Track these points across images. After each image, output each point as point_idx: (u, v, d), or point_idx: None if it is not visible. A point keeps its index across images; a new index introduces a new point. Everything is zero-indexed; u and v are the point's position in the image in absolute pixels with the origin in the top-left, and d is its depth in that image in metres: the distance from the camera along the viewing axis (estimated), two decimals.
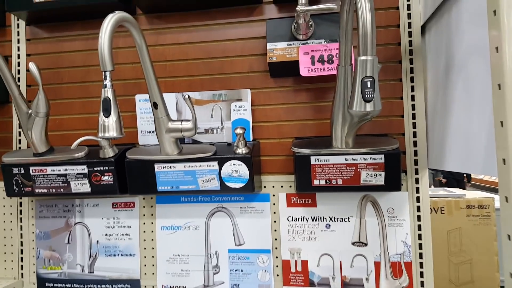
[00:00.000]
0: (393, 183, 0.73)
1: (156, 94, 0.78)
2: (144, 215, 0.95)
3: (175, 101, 0.93)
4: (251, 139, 0.89)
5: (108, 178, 0.88)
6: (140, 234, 0.94)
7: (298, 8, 0.76)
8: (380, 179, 0.72)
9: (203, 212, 0.91)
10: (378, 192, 0.83)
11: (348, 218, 0.83)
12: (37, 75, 0.83)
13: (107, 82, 0.64)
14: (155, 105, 0.79)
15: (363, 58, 0.56)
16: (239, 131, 0.81)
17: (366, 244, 0.82)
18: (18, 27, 1.02)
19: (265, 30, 0.90)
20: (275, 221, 0.88)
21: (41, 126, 0.87)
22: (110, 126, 0.64)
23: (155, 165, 0.84)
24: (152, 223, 0.94)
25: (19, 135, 1.02)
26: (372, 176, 0.72)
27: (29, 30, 1.02)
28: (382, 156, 0.72)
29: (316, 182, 0.76)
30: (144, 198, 0.95)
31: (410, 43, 0.85)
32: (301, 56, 0.81)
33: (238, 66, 0.92)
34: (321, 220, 0.85)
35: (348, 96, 0.70)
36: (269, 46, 0.83)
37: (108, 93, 0.64)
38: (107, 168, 0.87)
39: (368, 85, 0.54)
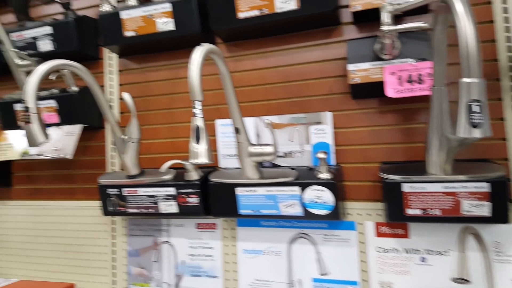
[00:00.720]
0: (499, 214, 0.66)
1: (238, 120, 0.80)
2: (225, 237, 0.96)
3: (254, 125, 0.94)
4: (333, 163, 0.87)
5: (193, 200, 0.91)
6: (223, 256, 0.96)
7: (383, 28, 0.73)
8: (484, 210, 0.65)
9: (284, 238, 0.90)
10: (481, 224, 0.75)
11: (446, 251, 0.76)
12: (131, 104, 0.90)
13: (197, 111, 0.67)
14: (237, 130, 0.81)
15: (468, 80, 0.51)
16: (321, 155, 0.79)
17: (468, 282, 0.74)
18: (110, 59, 1.12)
19: (344, 51, 0.89)
20: (362, 252, 0.83)
21: (134, 150, 0.94)
22: (200, 153, 0.66)
23: (237, 189, 0.85)
24: (233, 245, 0.95)
25: (112, 158, 1.11)
26: (474, 206, 0.65)
27: (121, 62, 1.11)
28: (486, 184, 0.65)
29: (409, 211, 0.71)
30: (225, 220, 0.97)
31: (511, 58, 0.77)
32: (386, 76, 0.77)
33: (317, 88, 0.90)
34: (415, 253, 0.78)
35: (445, 119, 0.65)
36: (351, 67, 0.81)
37: (199, 121, 0.67)
38: (193, 190, 0.91)
39: (476, 110, 0.50)
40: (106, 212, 1.00)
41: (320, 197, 0.79)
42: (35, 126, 0.75)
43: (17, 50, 1.05)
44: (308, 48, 0.92)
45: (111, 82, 1.11)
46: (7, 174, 1.22)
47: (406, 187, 0.72)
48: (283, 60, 0.94)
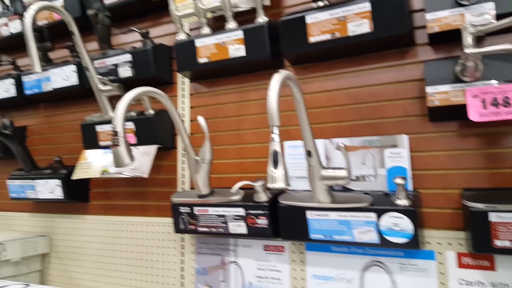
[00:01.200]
0: None
1: (310, 143, 0.80)
2: (294, 260, 0.96)
3: (323, 147, 0.94)
4: (411, 188, 0.83)
5: (262, 222, 0.92)
6: (291, 280, 0.95)
7: (466, 51, 0.70)
8: None
9: (357, 265, 0.87)
10: None
11: None
12: (205, 127, 0.94)
13: (275, 136, 0.68)
14: (309, 153, 0.81)
15: None
16: (399, 181, 0.77)
17: None
18: (183, 84, 1.18)
19: (419, 72, 0.86)
20: (442, 283, 0.79)
21: (205, 171, 0.97)
22: (278, 177, 0.67)
23: (308, 212, 0.85)
24: (302, 270, 0.94)
25: (183, 177, 1.15)
26: None
27: (192, 86, 1.17)
28: None
29: (498, 243, 0.66)
30: (294, 244, 0.97)
31: None
32: (469, 99, 0.74)
33: (391, 110, 0.88)
34: (502, 287, 0.73)
35: None
36: (429, 89, 0.78)
37: (276, 146, 0.68)
38: (262, 212, 0.92)
39: None
40: (178, 230, 1.04)
41: (398, 224, 0.76)
42: (122, 149, 0.81)
43: (100, 76, 1.15)
44: (380, 70, 0.90)
45: (183, 105, 1.17)
46: (86, 190, 1.32)
47: (493, 217, 0.68)
48: (354, 82, 0.93)
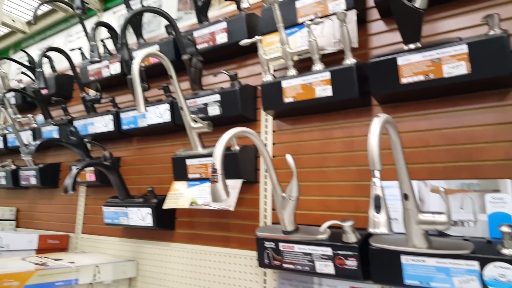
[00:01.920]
0: None
1: (407, 185, 0.79)
2: None
3: (416, 189, 0.92)
4: None
5: (351, 263, 0.91)
6: None
7: None
8: None
9: None
10: None
11: None
12: (293, 165, 0.97)
13: (376, 180, 0.69)
14: (405, 197, 0.80)
15: None
16: (505, 229, 0.72)
17: None
18: (266, 121, 1.24)
19: None
20: None
21: (292, 207, 0.99)
22: (381, 222, 0.67)
23: (402, 257, 0.83)
24: None
25: (265, 211, 1.19)
26: None
27: (275, 123, 1.22)
28: None
29: None
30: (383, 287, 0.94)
31: None
32: None
33: (491, 153, 0.85)
34: None
35: None
36: None
37: (378, 190, 0.68)
38: (351, 253, 0.91)
39: None
40: (262, 264, 1.06)
41: (504, 275, 0.72)
42: (220, 186, 0.86)
43: (192, 114, 1.25)
44: (478, 111, 0.88)
45: (266, 141, 1.22)
46: (173, 219, 1.41)
47: None
48: (448, 123, 0.91)
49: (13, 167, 2.02)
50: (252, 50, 1.30)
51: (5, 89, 2.22)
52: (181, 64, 1.35)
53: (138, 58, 1.11)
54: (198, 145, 1.27)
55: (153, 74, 1.55)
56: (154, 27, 1.66)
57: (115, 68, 1.62)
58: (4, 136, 2.09)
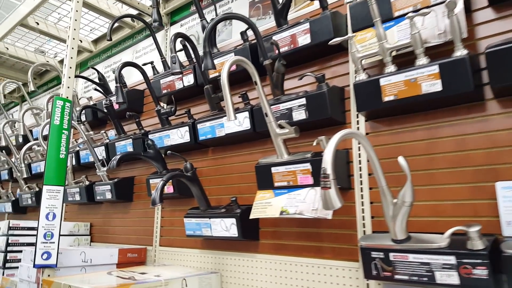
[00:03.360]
0: None
1: None
2: None
3: None
4: None
5: (480, 272, 0.82)
6: None
7: None
8: None
9: None
10: None
11: None
12: (406, 168, 0.90)
13: None
14: None
15: None
16: None
17: None
18: (357, 123, 1.18)
19: None
20: None
21: (405, 214, 0.91)
22: None
23: None
24: None
25: (363, 219, 1.11)
26: None
27: (368, 125, 1.15)
28: None
29: None
30: None
31: None
32: None
33: None
34: None
35: None
36: None
37: None
38: (480, 261, 0.82)
39: None
40: (369, 276, 0.98)
41: None
42: (333, 191, 0.81)
43: (277, 121, 1.21)
44: None
45: (359, 144, 1.16)
46: (257, 229, 1.37)
47: None
48: None
49: (87, 182, 2.08)
50: (336, 50, 1.25)
51: (76, 107, 2.32)
52: (259, 70, 1.32)
53: (227, 65, 1.09)
54: (283, 152, 1.23)
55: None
56: (225, 37, 1.66)
57: (189, 80, 1.63)
58: (77, 153, 2.17)
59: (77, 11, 1.61)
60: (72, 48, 1.56)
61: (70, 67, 1.54)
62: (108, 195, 1.89)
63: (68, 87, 1.52)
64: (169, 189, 1.60)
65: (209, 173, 1.59)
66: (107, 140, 2.00)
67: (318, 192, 1.12)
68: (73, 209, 2.34)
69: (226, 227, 1.35)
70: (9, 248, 1.80)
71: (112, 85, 2.16)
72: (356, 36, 1.13)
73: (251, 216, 1.25)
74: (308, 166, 1.15)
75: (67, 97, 1.50)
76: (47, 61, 2.67)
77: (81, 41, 2.37)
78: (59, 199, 1.40)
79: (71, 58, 1.55)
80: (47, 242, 1.36)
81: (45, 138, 1.98)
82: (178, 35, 1.38)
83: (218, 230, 1.37)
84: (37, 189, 2.52)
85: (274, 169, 1.24)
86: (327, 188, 0.81)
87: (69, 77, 1.53)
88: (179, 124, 1.62)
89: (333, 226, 1.18)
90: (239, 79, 1.50)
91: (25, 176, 2.01)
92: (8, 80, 2.59)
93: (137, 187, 1.94)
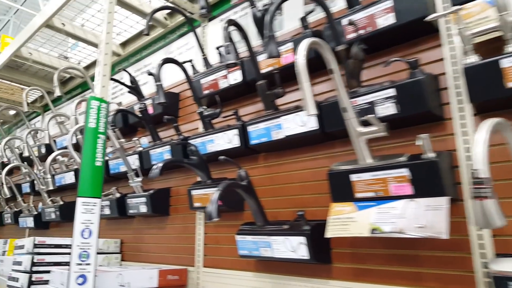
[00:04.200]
0: None
1: None
2: None
3: None
4: None
5: None
6: None
7: None
8: None
9: None
10: None
11: None
12: None
13: None
14: None
15: None
16: None
17: None
18: (462, 118, 0.95)
19: None
20: None
21: None
22: None
23: None
24: None
25: (480, 239, 0.88)
26: None
27: (478, 120, 0.93)
28: None
29: None
30: None
31: None
32: None
33: None
34: None
35: None
36: None
37: None
38: None
39: None
40: None
41: None
42: (493, 203, 0.58)
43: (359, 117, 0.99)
44: None
45: (467, 144, 0.93)
46: (328, 250, 1.14)
47: None
48: None
49: (118, 194, 1.89)
50: (426, 32, 1.04)
51: None
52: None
53: (303, 47, 0.89)
54: (367, 155, 1.01)
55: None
56: (275, 27, 1.46)
57: (235, 78, 1.43)
58: (106, 163, 1.99)
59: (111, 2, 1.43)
60: (107, 43, 1.39)
61: (105, 64, 1.36)
62: (143, 209, 1.69)
63: (103, 86, 1.34)
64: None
65: (261, 182, 1.37)
66: (140, 148, 1.81)
67: (421, 204, 0.90)
68: (101, 225, 2.14)
69: (292, 247, 1.12)
70: (34, 268, 1.61)
71: (144, 89, 1.98)
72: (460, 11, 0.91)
73: (328, 235, 1.02)
74: (404, 172, 0.93)
75: (103, 98, 1.31)
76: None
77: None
78: (95, 213, 1.20)
79: (106, 54, 1.37)
80: (82, 264, 1.15)
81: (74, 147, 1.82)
82: (231, 22, 1.19)
83: (282, 251, 1.15)
84: (61, 202, 2.35)
85: (355, 177, 1.02)
86: (484, 198, 0.59)
87: (104, 75, 1.35)
88: (224, 127, 1.41)
89: (436, 248, 0.94)
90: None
91: (51, 188, 1.84)
92: (32, 87, 2.45)
93: (173, 200, 1.74)
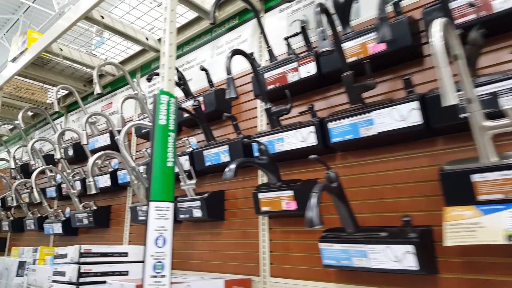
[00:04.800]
0: None
1: None
2: None
3: None
4: None
5: None
6: None
7: None
8: None
9: None
10: None
11: None
12: None
13: None
14: None
15: None
16: None
17: None
18: None
19: None
20: None
21: None
22: None
23: None
24: None
25: None
26: None
27: None
28: None
29: None
30: None
31: None
32: None
33: None
34: None
35: None
36: None
37: None
38: None
39: None
40: None
41: None
42: None
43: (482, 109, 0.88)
44: None
45: None
46: (433, 259, 1.02)
47: None
48: None
49: None
50: None
51: (143, 111, 2.03)
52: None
53: (438, 27, 0.78)
54: (491, 152, 0.89)
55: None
56: (351, 16, 1.34)
57: (308, 70, 1.32)
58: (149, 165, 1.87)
59: None
60: (171, 33, 1.27)
61: (170, 56, 1.25)
62: (197, 213, 1.57)
63: (170, 80, 1.22)
64: (290, 205, 1.27)
65: (343, 184, 1.25)
66: (190, 148, 1.69)
67: None
68: (141, 230, 2.02)
69: (396, 256, 1.00)
70: (81, 279, 1.48)
71: (192, 85, 1.87)
72: None
73: (449, 243, 0.90)
74: None
75: (170, 92, 1.19)
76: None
77: (147, 39, 2.09)
78: (168, 219, 1.08)
79: (170, 44, 1.26)
80: (157, 276, 1.03)
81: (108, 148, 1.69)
82: (321, 6, 1.07)
83: (382, 261, 1.03)
84: (94, 207, 2.22)
85: (478, 177, 0.90)
86: None
87: (170, 68, 1.23)
88: (295, 124, 1.30)
89: None
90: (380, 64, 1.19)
91: (93, 192, 1.72)
92: (62, 85, 2.33)
93: (228, 203, 1.62)
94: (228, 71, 1.23)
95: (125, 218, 2.14)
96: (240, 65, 1.69)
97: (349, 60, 1.20)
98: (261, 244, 1.43)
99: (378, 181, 1.18)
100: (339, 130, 1.18)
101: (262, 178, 1.51)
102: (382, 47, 1.15)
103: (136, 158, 2.08)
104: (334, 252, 1.13)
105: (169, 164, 1.12)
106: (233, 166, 1.17)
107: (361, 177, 1.22)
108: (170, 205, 1.10)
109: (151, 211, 1.06)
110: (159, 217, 1.07)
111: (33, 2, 6.09)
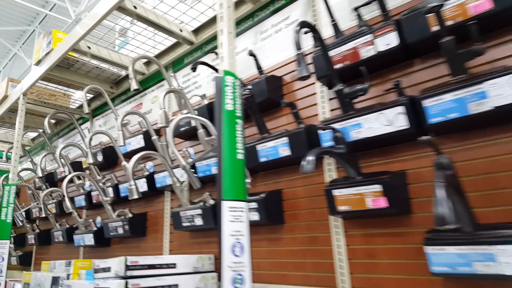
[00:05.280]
0: None
1: None
2: None
3: None
4: None
5: None
6: None
7: None
8: None
9: None
10: None
11: None
12: None
13: None
14: None
15: None
16: None
17: None
18: None
19: None
20: None
21: None
22: None
23: None
24: None
25: None
26: None
27: None
28: None
29: None
30: None
31: None
32: None
33: None
34: None
35: None
36: None
37: None
38: None
39: None
40: None
41: None
42: None
43: None
44: None
45: None
46: None
47: None
48: None
49: (211, 201, 1.59)
50: None
51: (181, 108, 1.86)
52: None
53: None
54: None
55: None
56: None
57: (388, 42, 1.12)
58: (193, 165, 1.69)
59: None
60: (229, 7, 1.09)
61: (230, 33, 1.07)
62: (253, 216, 1.38)
63: (231, 60, 1.04)
64: (378, 202, 1.07)
65: (424, 177, 1.05)
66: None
67: None
68: (183, 238, 1.84)
69: None
70: None
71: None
72: None
73: None
74: None
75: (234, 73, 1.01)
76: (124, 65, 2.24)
77: (180, 30, 1.93)
78: (243, 222, 0.89)
79: (229, 19, 1.08)
80: None
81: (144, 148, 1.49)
82: None
83: None
84: (130, 215, 2.05)
85: None
86: None
87: (230, 46, 1.05)
88: (376, 105, 1.10)
89: None
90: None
91: (135, 196, 1.54)
92: (92, 86, 2.18)
93: (287, 204, 1.42)
94: (298, 46, 1.05)
95: (164, 225, 1.96)
96: (287, 51, 1.51)
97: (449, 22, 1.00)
98: (335, 250, 1.23)
99: (492, 168, 0.97)
100: (440, 108, 0.98)
101: (329, 173, 1.31)
102: (487, 5, 0.95)
103: (172, 160, 1.91)
104: (447, 257, 0.92)
105: (239, 157, 0.93)
106: (311, 157, 0.98)
107: (468, 164, 1.01)
108: (244, 205, 0.91)
109: (224, 213, 0.87)
110: (234, 219, 0.88)
111: (50, 10, 6.04)
